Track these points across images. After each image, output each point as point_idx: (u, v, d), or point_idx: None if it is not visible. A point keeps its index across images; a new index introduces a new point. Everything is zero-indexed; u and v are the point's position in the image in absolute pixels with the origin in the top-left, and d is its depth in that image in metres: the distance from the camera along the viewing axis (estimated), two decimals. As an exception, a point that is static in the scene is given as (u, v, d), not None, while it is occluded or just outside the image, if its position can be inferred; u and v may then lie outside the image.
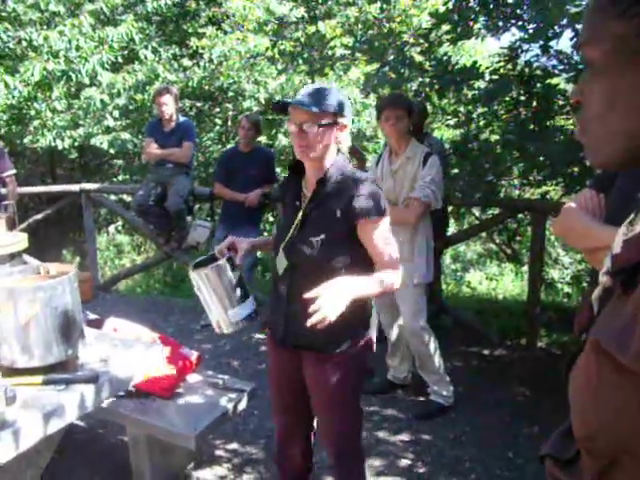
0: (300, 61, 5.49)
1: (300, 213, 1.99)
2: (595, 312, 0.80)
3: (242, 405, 2.73)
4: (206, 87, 7.99)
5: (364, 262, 1.97)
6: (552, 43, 3.34)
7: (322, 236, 1.91)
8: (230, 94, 8.10)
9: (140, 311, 4.95)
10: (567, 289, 7.95)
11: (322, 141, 1.90)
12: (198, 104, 8.32)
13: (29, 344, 1.89)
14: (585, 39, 0.74)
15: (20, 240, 2.33)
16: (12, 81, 6.00)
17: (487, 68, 3.91)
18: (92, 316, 2.95)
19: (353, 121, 8.42)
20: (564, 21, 3.23)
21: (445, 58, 3.93)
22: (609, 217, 1.66)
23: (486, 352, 4.46)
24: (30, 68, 6.17)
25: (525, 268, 8.43)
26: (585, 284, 7.33)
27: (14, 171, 5.23)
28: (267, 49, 6.26)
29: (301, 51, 5.35)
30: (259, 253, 5.21)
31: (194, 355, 2.89)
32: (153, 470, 2.73)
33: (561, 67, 3.54)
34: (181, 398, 2.71)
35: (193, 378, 2.87)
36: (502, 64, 4.04)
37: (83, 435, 3.16)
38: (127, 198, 7.84)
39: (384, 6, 6.09)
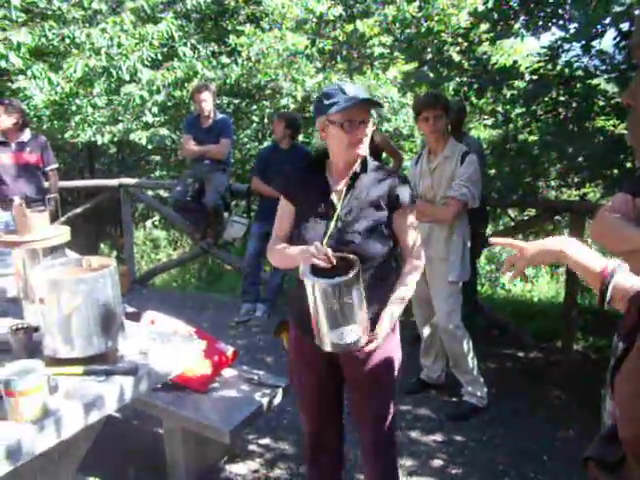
0: (338, 59, 5.48)
1: (339, 205, 2.03)
2: None
3: (276, 401, 2.75)
4: (243, 84, 8.04)
5: (393, 254, 2.07)
6: (594, 43, 3.28)
7: (365, 225, 1.98)
8: (267, 92, 8.14)
9: (176, 305, 5.00)
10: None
11: (369, 136, 2.02)
12: (235, 101, 8.37)
13: (71, 335, 1.93)
14: (638, 40, 0.73)
15: (62, 233, 2.37)
16: (55, 77, 6.12)
17: (527, 68, 3.86)
18: (130, 309, 2.99)
19: (390, 120, 8.40)
20: (607, 20, 3.17)
21: (485, 57, 3.88)
22: None
23: (521, 354, 4.41)
24: (72, 65, 6.29)
25: (561, 270, 8.31)
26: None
27: (57, 165, 5.34)
28: (306, 47, 6.27)
29: (340, 49, 5.34)
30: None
31: (230, 350, 2.91)
32: (187, 462, 2.77)
33: (603, 67, 3.47)
34: (216, 392, 2.75)
35: (228, 373, 2.90)
36: (542, 64, 3.98)
37: (119, 426, 3.21)
38: (164, 194, 7.96)
39: (423, 5, 6.00)
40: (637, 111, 0.74)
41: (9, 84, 6.57)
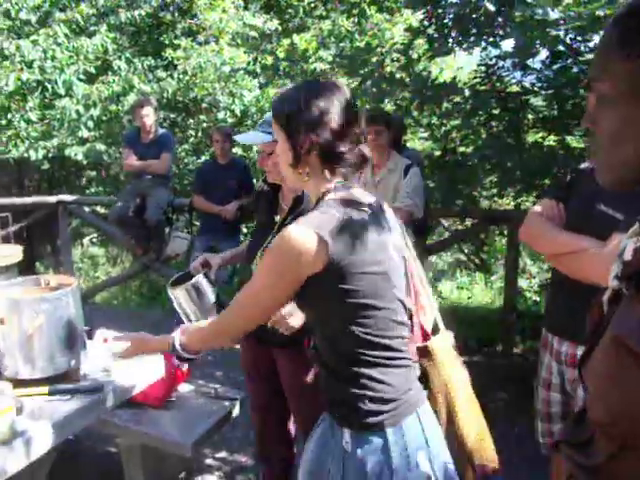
0: (281, 75, 5.55)
1: (278, 222, 2.14)
2: (605, 312, 0.90)
3: (235, 413, 2.78)
4: (180, 98, 8.00)
5: None
6: (529, 62, 3.49)
7: None
8: (204, 105, 8.12)
9: (118, 323, 4.90)
10: (535, 297, 8.15)
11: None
12: (172, 115, 8.32)
13: (33, 355, 1.92)
14: (595, 75, 0.84)
15: (15, 252, 2.35)
16: (-15, 91, 5.95)
17: (465, 84, 4.05)
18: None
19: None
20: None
21: (424, 73, 4.05)
22: (569, 224, 1.83)
23: (465, 358, 4.56)
24: (4, 77, 6.11)
25: (494, 277, 8.64)
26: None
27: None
28: (248, 63, 6.31)
29: (283, 65, 5.43)
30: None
31: (185, 365, 2.92)
32: (146, 478, 2.75)
33: (538, 84, 3.69)
34: (174, 407, 2.74)
35: (184, 388, 2.90)
36: (478, 80, 4.18)
37: (72, 446, 3.16)
38: (100, 210, 7.81)
39: (357, 19, 6.17)
40: (597, 134, 0.85)
41: None
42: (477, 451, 1.54)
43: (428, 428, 1.43)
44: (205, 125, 8.16)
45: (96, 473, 2.99)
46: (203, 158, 7.98)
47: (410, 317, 1.54)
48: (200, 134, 8.10)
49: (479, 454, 1.54)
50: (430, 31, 4.43)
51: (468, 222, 6.34)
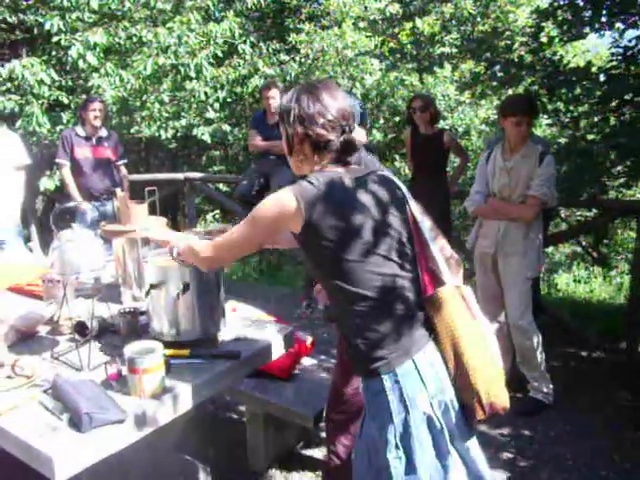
0: (408, 59, 5.54)
1: None
2: None
3: (355, 390, 2.84)
4: (302, 81, 8.16)
5: None
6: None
7: None
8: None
9: (239, 296, 5.15)
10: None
11: None
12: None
13: (177, 320, 2.07)
14: None
15: (161, 223, 2.52)
16: (126, 75, 6.35)
17: (599, 68, 3.85)
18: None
19: (446, 117, 8.42)
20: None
21: (556, 57, 3.90)
22: None
23: (584, 354, 4.41)
24: (143, 62, 6.51)
25: (614, 272, 8.21)
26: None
27: (125, 160, 5.58)
28: (376, 47, 6.34)
29: (409, 49, 5.40)
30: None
31: (309, 339, 3.02)
32: (267, 446, 2.89)
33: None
34: (298, 380, 2.86)
35: (307, 361, 3.01)
36: (614, 63, 3.96)
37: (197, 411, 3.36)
38: (223, 187, 8.16)
39: (487, 2, 6.02)
40: None
41: (80, 82, 6.85)
42: (485, 391, 1.61)
43: (426, 372, 1.60)
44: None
45: (220, 438, 3.16)
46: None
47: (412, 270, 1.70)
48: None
49: (487, 393, 1.61)
50: (560, 13, 4.25)
51: (589, 213, 6.06)
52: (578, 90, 3.93)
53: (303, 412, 2.61)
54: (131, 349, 1.80)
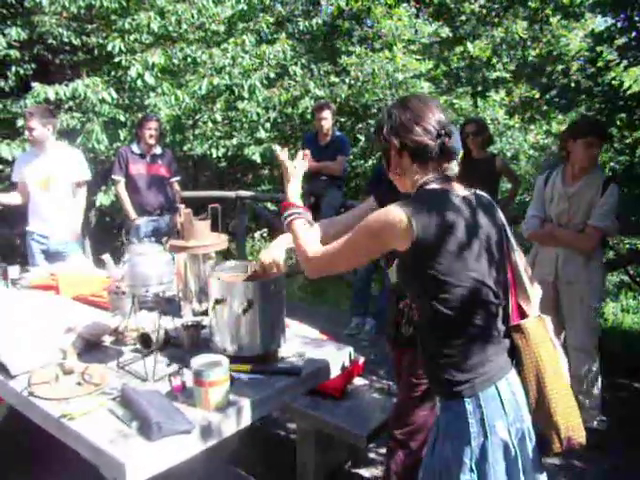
0: (463, 82, 5.56)
1: None
2: None
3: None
4: (351, 103, 8.26)
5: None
6: None
7: None
8: (373, 111, 8.32)
9: (287, 315, 5.20)
10: None
11: None
12: (342, 119, 8.59)
13: (240, 335, 2.11)
14: None
15: (223, 241, 2.58)
16: (181, 94, 6.52)
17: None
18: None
19: (495, 142, 8.38)
20: None
21: (615, 82, 3.86)
22: None
23: (637, 385, 4.30)
24: (197, 82, 6.68)
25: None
26: None
27: (179, 178, 5.71)
28: (430, 70, 6.38)
29: (464, 73, 5.42)
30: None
31: (361, 359, 3.04)
32: (317, 464, 2.89)
33: None
34: (350, 399, 2.87)
35: (358, 381, 3.02)
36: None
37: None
38: (271, 206, 8.27)
39: (541, 26, 6.00)
40: None
41: (137, 100, 7.05)
42: (564, 423, 1.63)
43: (508, 399, 1.60)
44: (373, 130, 8.36)
45: (269, 455, 3.18)
46: (370, 162, 8.19)
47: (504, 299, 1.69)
48: (369, 139, 8.30)
49: (566, 426, 1.63)
50: (619, 37, 4.22)
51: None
52: (637, 115, 3.89)
53: (357, 431, 2.61)
54: (198, 362, 1.85)
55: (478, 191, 1.75)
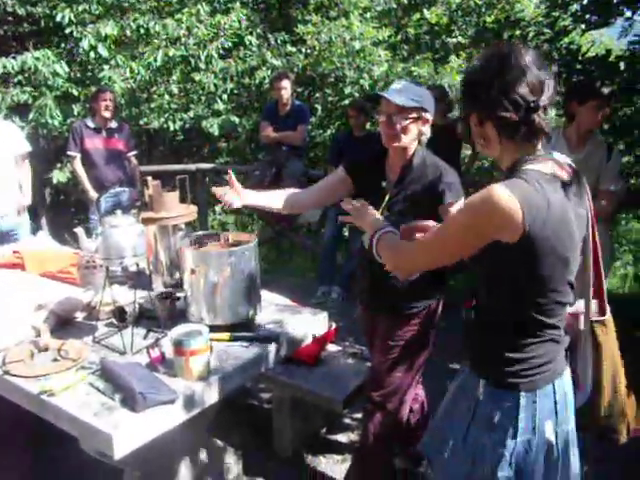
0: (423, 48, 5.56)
1: (387, 196, 2.24)
2: None
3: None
4: (308, 73, 8.16)
5: None
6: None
7: (407, 220, 1.97)
8: (330, 80, 8.25)
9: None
10: None
11: (407, 132, 2.16)
12: (299, 89, 8.51)
13: (216, 304, 2.11)
14: None
15: (192, 211, 2.55)
16: (136, 66, 6.36)
17: (618, 57, 3.87)
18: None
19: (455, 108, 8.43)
20: None
21: (574, 47, 3.92)
22: None
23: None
24: (152, 54, 6.52)
25: (618, 263, 8.22)
26: None
27: (136, 152, 5.62)
28: (390, 37, 6.35)
29: (426, 39, 5.42)
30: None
31: (333, 325, 3.07)
32: (294, 430, 2.94)
33: None
34: (324, 365, 2.90)
35: (332, 347, 3.05)
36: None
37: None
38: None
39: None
40: None
41: (89, 74, 6.85)
42: (631, 414, 1.67)
43: (560, 398, 1.52)
44: (331, 99, 8.30)
45: (245, 423, 3.20)
46: (329, 132, 8.15)
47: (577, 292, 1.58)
48: (331, 107, 8.24)
49: (632, 417, 1.68)
50: (572, 3, 4.28)
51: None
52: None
53: (333, 396, 2.66)
54: (178, 331, 1.84)
55: (571, 164, 1.51)
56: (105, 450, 1.56)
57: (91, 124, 5.23)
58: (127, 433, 1.57)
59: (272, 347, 2.06)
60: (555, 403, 1.52)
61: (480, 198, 1.37)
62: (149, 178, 2.56)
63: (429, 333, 2.35)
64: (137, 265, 2.11)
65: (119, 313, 2.15)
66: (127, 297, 2.23)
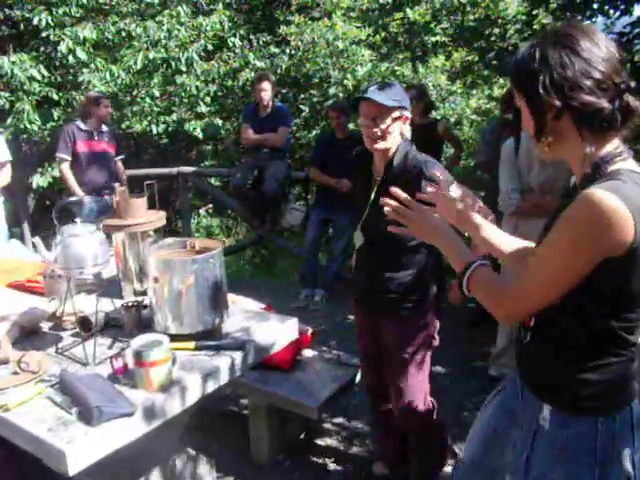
0: (403, 48, 5.52)
1: (372, 195, 2.28)
2: None
3: (357, 379, 2.86)
4: (292, 74, 8.13)
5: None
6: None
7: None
8: (315, 80, 8.22)
9: (235, 290, 5.15)
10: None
11: (390, 133, 2.20)
12: (284, 90, 8.47)
13: (181, 312, 2.06)
14: None
15: (161, 217, 2.51)
16: (116, 69, 6.31)
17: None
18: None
19: (437, 107, 8.41)
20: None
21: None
22: None
23: None
24: (132, 57, 6.47)
25: None
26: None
27: (123, 156, 5.58)
28: (368, 36, 6.33)
29: (404, 38, 5.40)
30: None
31: (309, 330, 3.03)
32: (270, 438, 2.90)
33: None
34: (299, 371, 2.87)
35: (308, 353, 3.02)
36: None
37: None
38: (214, 182, 8.13)
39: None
40: None
41: (70, 77, 6.79)
42: None
43: (637, 422, 1.37)
44: (316, 100, 8.26)
45: (223, 431, 3.16)
46: (314, 133, 8.11)
47: None
48: (316, 108, 8.21)
49: None
50: (553, 1, 4.26)
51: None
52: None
53: (307, 403, 2.62)
54: (138, 342, 1.80)
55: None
56: (59, 467, 1.51)
57: (83, 127, 5.18)
58: (82, 448, 1.53)
59: (238, 355, 2.02)
60: (632, 427, 1.35)
61: (585, 213, 1.17)
62: (116, 185, 2.52)
63: (434, 327, 2.38)
64: (100, 274, 2.07)
65: (83, 322, 2.10)
66: (95, 306, 2.19)
